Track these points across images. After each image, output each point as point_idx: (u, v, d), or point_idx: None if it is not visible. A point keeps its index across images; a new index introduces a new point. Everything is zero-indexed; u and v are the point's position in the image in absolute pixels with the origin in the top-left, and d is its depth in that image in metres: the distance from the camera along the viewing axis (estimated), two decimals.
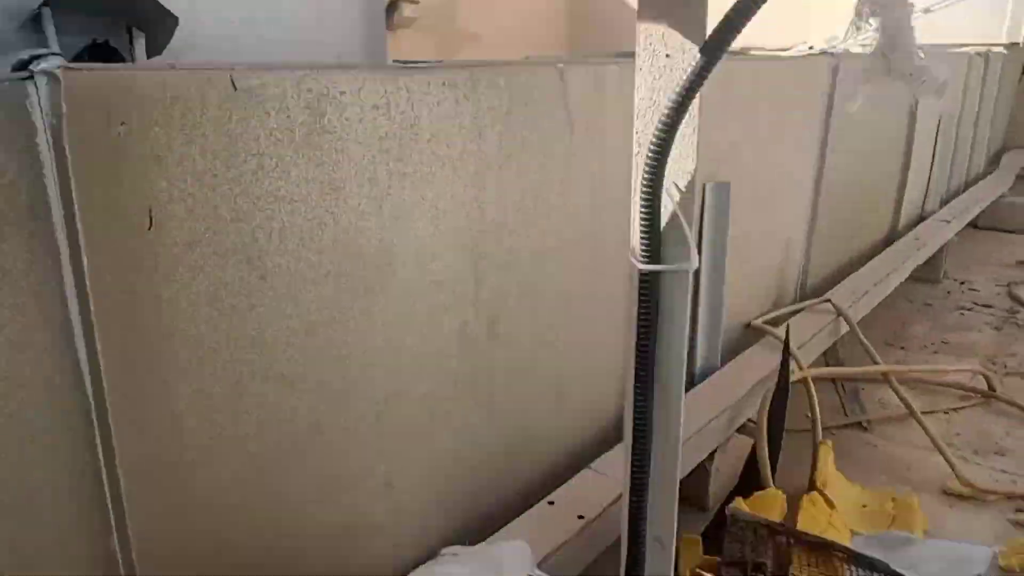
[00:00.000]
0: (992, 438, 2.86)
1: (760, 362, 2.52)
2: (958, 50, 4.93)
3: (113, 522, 0.98)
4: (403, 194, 1.26)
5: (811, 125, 2.96)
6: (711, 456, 2.22)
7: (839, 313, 2.95)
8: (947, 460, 2.54)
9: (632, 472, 0.98)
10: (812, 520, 1.87)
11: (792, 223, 3.03)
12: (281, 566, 1.25)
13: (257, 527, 1.19)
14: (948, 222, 4.56)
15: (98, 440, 0.94)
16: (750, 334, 2.77)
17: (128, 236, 0.91)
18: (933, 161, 4.64)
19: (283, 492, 1.21)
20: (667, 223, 0.90)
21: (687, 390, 2.29)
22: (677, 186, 0.90)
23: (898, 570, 1.47)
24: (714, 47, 0.85)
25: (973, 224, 5.82)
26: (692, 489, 2.22)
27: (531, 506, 1.67)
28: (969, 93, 5.15)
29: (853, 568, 1.44)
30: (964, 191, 5.47)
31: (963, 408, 3.08)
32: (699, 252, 0.96)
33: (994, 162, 6.57)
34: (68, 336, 0.89)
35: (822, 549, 1.49)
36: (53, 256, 0.86)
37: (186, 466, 1.06)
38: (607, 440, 2.02)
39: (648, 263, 0.91)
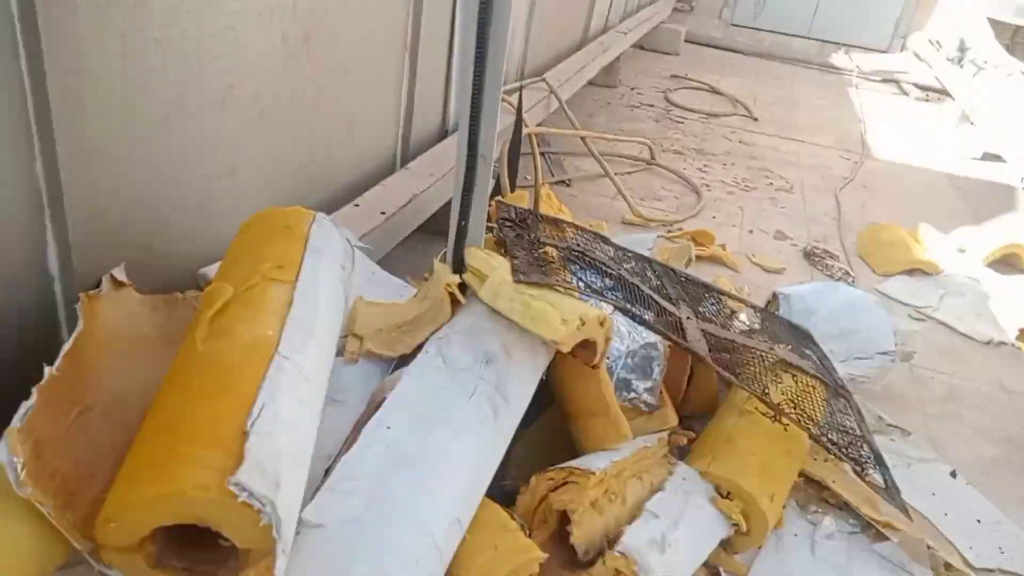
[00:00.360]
0: (653, 190, 3.78)
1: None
2: None
3: (38, 150, 1.12)
4: None
5: None
6: None
7: (551, 91, 3.54)
8: (627, 201, 3.36)
9: (471, 106, 1.37)
10: (547, 209, 2.48)
11: (515, 12, 3.47)
12: (155, 232, 1.45)
13: (139, 181, 1.36)
14: (626, 34, 5.41)
15: (26, 74, 1.06)
16: None
17: None
18: None
19: (155, 154, 1.39)
20: None
21: (442, 139, 2.71)
22: None
23: (604, 234, 2.11)
24: None
25: (640, 46, 6.90)
26: (443, 221, 2.69)
27: (340, 208, 1.99)
28: None
29: (575, 232, 2.04)
30: (637, 12, 6.41)
31: (633, 172, 3.97)
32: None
33: None
34: None
35: (556, 223, 2.06)
36: None
37: (91, 106, 1.20)
38: (387, 170, 2.38)
39: None
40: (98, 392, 1.11)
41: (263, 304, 1.11)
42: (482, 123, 1.43)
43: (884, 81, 7.59)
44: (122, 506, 0.84)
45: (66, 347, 1.02)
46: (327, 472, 1.14)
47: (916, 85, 7.41)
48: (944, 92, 7.03)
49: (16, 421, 0.86)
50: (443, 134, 2.77)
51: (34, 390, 0.90)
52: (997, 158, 5.10)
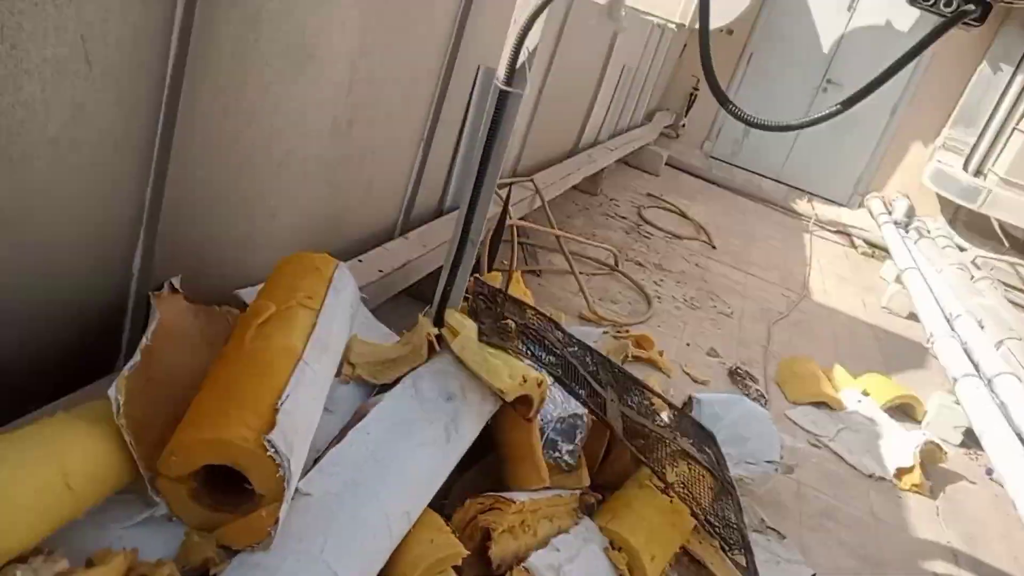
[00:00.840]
0: (611, 293, 4.24)
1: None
2: (646, 17, 6.33)
3: (152, 175, 1.51)
4: (326, 8, 1.86)
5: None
6: None
7: (537, 190, 4.03)
8: (586, 299, 3.81)
9: (469, 201, 1.79)
10: (515, 292, 2.90)
11: (517, 121, 3.99)
12: (208, 253, 1.83)
13: (210, 211, 1.75)
14: (612, 151, 6.01)
15: (161, 120, 1.46)
16: None
17: None
18: (611, 102, 6.02)
19: (226, 193, 1.78)
20: (519, 65, 1.70)
21: (438, 217, 3.15)
22: (528, 48, 1.69)
23: (554, 318, 2.53)
24: None
25: (624, 161, 7.55)
26: (427, 287, 3.08)
27: (347, 260, 2.39)
28: (646, 55, 6.66)
29: (534, 314, 2.45)
30: (626, 131, 7.07)
31: (597, 275, 4.45)
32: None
33: (648, 117, 8.42)
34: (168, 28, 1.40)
35: (520, 304, 2.48)
36: None
37: (197, 151, 1.60)
38: (389, 235, 2.80)
39: (508, 87, 1.70)
40: (155, 368, 1.47)
41: (295, 322, 1.49)
42: (475, 215, 1.87)
43: (837, 232, 8.32)
44: (185, 443, 1.20)
45: (153, 325, 1.38)
46: (316, 461, 1.49)
47: (865, 240, 8.14)
48: (888, 251, 7.75)
49: (125, 371, 1.22)
50: (439, 212, 3.21)
51: (139, 351, 1.26)
52: (918, 319, 5.69)
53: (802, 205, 8.73)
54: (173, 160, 1.52)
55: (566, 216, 5.27)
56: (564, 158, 5.12)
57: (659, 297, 4.45)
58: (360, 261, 2.42)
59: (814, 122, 1.56)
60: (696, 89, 8.92)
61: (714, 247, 5.99)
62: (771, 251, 6.61)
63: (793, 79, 9.02)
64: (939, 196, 8.49)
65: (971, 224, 8.49)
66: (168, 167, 1.52)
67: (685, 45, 8.52)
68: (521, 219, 3.96)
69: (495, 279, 2.88)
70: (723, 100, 1.57)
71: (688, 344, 3.96)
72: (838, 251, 7.68)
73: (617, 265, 4.61)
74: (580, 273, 4.09)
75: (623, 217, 5.90)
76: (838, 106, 1.53)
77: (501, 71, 1.69)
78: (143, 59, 1.37)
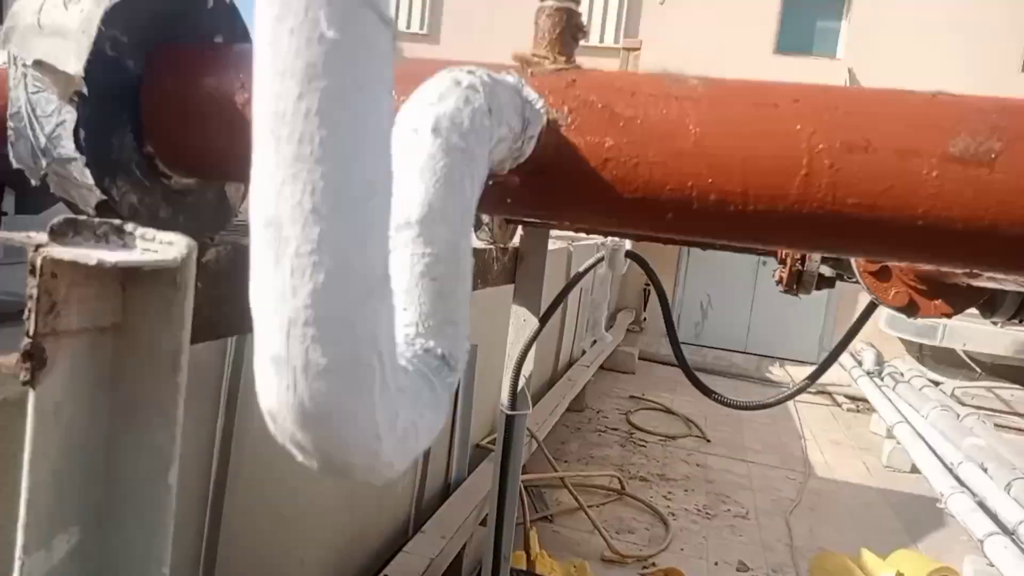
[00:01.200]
0: (625, 522, 4.22)
1: (489, 472, 3.53)
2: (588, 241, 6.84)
3: (204, 548, 1.57)
4: None
5: None
6: (464, 545, 3.12)
7: (531, 435, 4.13)
8: (604, 538, 3.78)
9: (496, 522, 1.87)
10: (544, 568, 2.88)
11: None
12: None
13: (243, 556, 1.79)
14: (588, 367, 6.23)
15: (209, 510, 1.55)
16: (477, 452, 3.78)
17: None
18: (577, 321, 6.34)
19: (264, 549, 1.84)
20: (519, 391, 1.87)
21: (447, 498, 3.20)
22: (525, 375, 1.87)
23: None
24: (544, 318, 1.87)
25: (601, 366, 7.78)
26: (453, 569, 3.06)
27: None
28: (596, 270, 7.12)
29: None
30: (595, 343, 7.36)
31: (606, 503, 4.44)
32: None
33: (612, 319, 8.81)
34: (211, 440, 1.52)
35: None
36: (215, 409, 1.51)
37: (242, 522, 1.67)
38: (406, 527, 2.82)
39: (512, 411, 1.85)
40: None
41: None
42: (504, 531, 1.93)
43: (818, 393, 8.49)
44: None
45: None
46: None
47: (847, 396, 8.31)
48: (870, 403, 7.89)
49: None
50: (447, 487, 3.26)
51: None
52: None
53: (776, 371, 8.97)
54: (223, 534, 1.59)
55: (560, 442, 5.34)
56: (547, 389, 5.28)
57: (673, 514, 4.43)
58: None
59: (787, 398, 1.73)
60: (648, 284, 9.44)
61: (708, 440, 6.05)
62: (761, 428, 6.70)
63: (732, 259, 9.63)
64: (901, 340, 8.84)
65: (939, 357, 8.77)
66: (218, 544, 1.58)
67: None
68: (523, 469, 4.01)
69: (519, 560, 2.88)
70: (706, 392, 1.74)
71: (716, 563, 3.90)
72: (824, 412, 7.81)
73: (623, 488, 4.62)
74: (590, 507, 4.09)
75: (614, 429, 5.99)
76: (806, 380, 1.72)
77: (505, 399, 1.86)
78: (188, 486, 1.48)
